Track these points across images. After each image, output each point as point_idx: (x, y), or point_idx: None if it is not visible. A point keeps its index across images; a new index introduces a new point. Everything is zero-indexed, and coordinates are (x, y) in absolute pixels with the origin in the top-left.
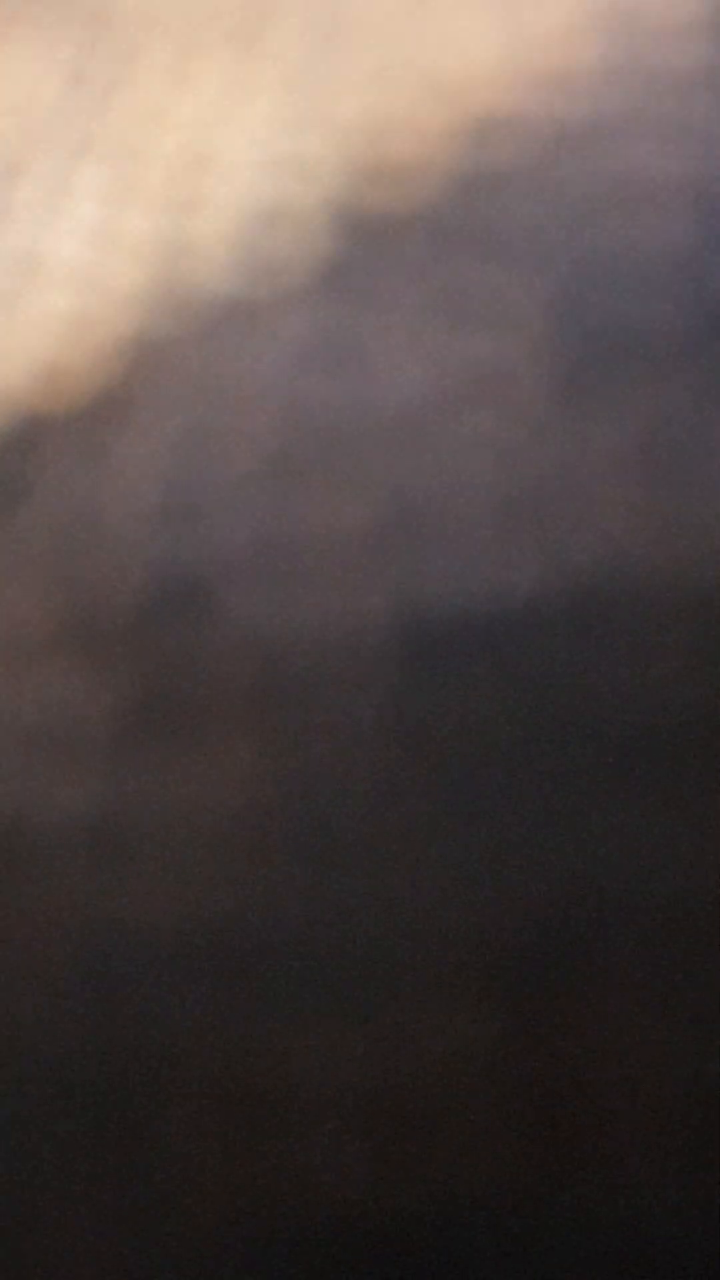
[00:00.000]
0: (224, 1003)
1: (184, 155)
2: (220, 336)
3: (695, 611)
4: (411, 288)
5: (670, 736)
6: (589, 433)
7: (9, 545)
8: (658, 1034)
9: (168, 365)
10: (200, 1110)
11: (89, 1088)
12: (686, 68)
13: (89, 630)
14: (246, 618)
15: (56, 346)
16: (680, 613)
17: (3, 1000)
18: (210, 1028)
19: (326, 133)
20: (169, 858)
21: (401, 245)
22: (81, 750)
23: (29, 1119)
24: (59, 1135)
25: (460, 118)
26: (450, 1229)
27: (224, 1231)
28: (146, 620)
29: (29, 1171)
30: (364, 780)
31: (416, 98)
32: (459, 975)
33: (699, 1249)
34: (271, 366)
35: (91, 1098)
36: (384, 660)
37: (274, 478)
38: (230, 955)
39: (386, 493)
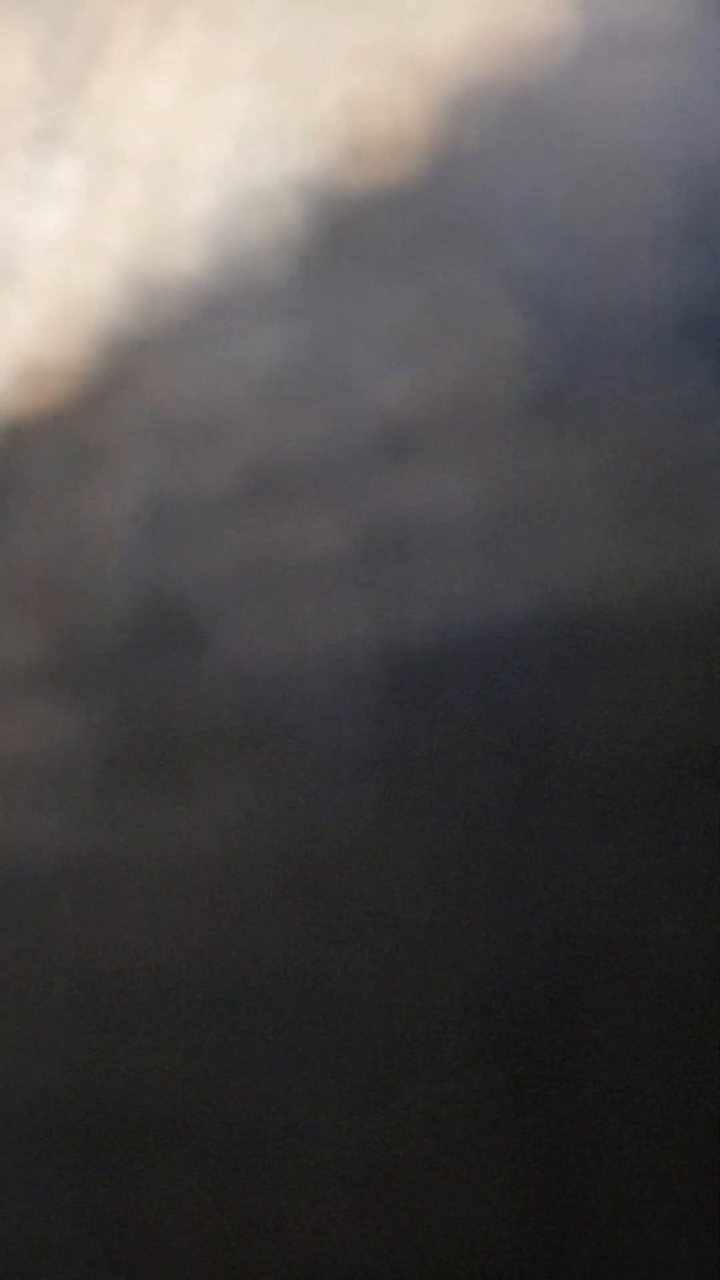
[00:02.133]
0: (211, 1052)
1: (158, 142)
2: (200, 341)
3: (680, 636)
4: (392, 291)
5: (661, 772)
6: (572, 451)
7: None
8: (656, 1087)
9: (145, 374)
10: (187, 1162)
11: (73, 1135)
12: (667, 34)
13: (72, 664)
14: (231, 649)
15: (33, 350)
16: (665, 637)
17: None
18: (197, 1077)
19: (303, 115)
20: (154, 897)
21: (380, 240)
22: (65, 789)
23: (10, 1165)
24: (41, 1184)
25: (438, 93)
26: None
27: None
28: (130, 653)
29: (10, 1222)
30: (351, 821)
31: (393, 74)
32: (454, 1026)
33: None
34: (250, 379)
35: (75, 1146)
36: (369, 691)
37: (255, 500)
38: (216, 1001)
39: (369, 515)
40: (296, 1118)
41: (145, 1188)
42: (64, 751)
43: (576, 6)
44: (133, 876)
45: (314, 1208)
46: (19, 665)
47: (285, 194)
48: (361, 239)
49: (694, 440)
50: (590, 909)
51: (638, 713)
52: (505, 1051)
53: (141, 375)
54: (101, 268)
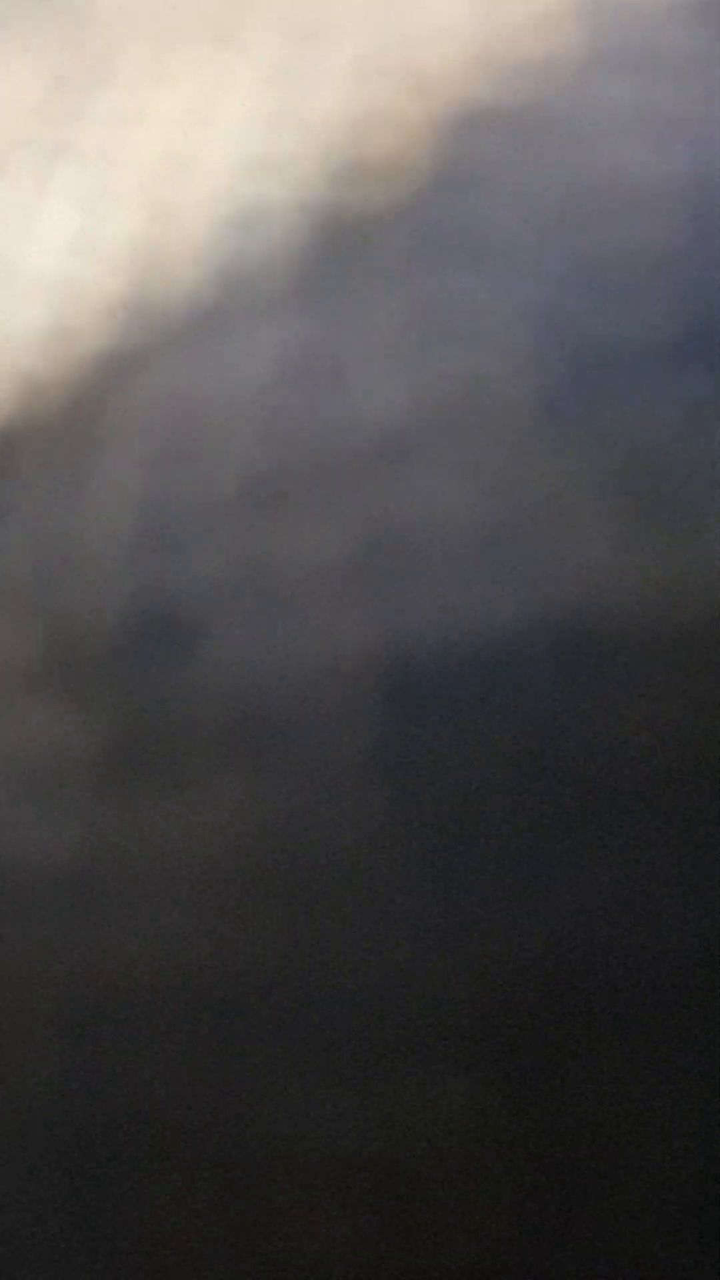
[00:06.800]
0: (205, 1057)
1: (163, 158)
2: (198, 350)
3: (681, 645)
4: (391, 299)
5: (661, 776)
6: (573, 455)
7: None
8: (655, 1092)
9: (145, 380)
10: (179, 1169)
11: (63, 1142)
12: (675, 54)
13: (67, 665)
14: (227, 651)
15: (32, 359)
16: (666, 645)
17: None
18: (191, 1083)
19: (305, 131)
20: (149, 903)
21: (381, 250)
22: (59, 790)
23: (4, 1174)
24: (31, 1190)
25: (441, 112)
26: None
27: None
28: (126, 654)
29: (5, 1231)
30: (348, 823)
31: (396, 92)
32: (450, 1031)
33: None
34: (249, 385)
35: (66, 1153)
36: (366, 696)
37: (252, 504)
38: (212, 1007)
39: (366, 520)
40: (294, 1122)
41: (142, 1195)
42: (58, 754)
43: (581, 26)
44: (127, 881)
45: (313, 1212)
46: (13, 667)
47: (288, 209)
48: (362, 250)
49: (693, 448)
50: (591, 914)
51: (639, 718)
52: (504, 1055)
53: (139, 384)
54: (102, 281)
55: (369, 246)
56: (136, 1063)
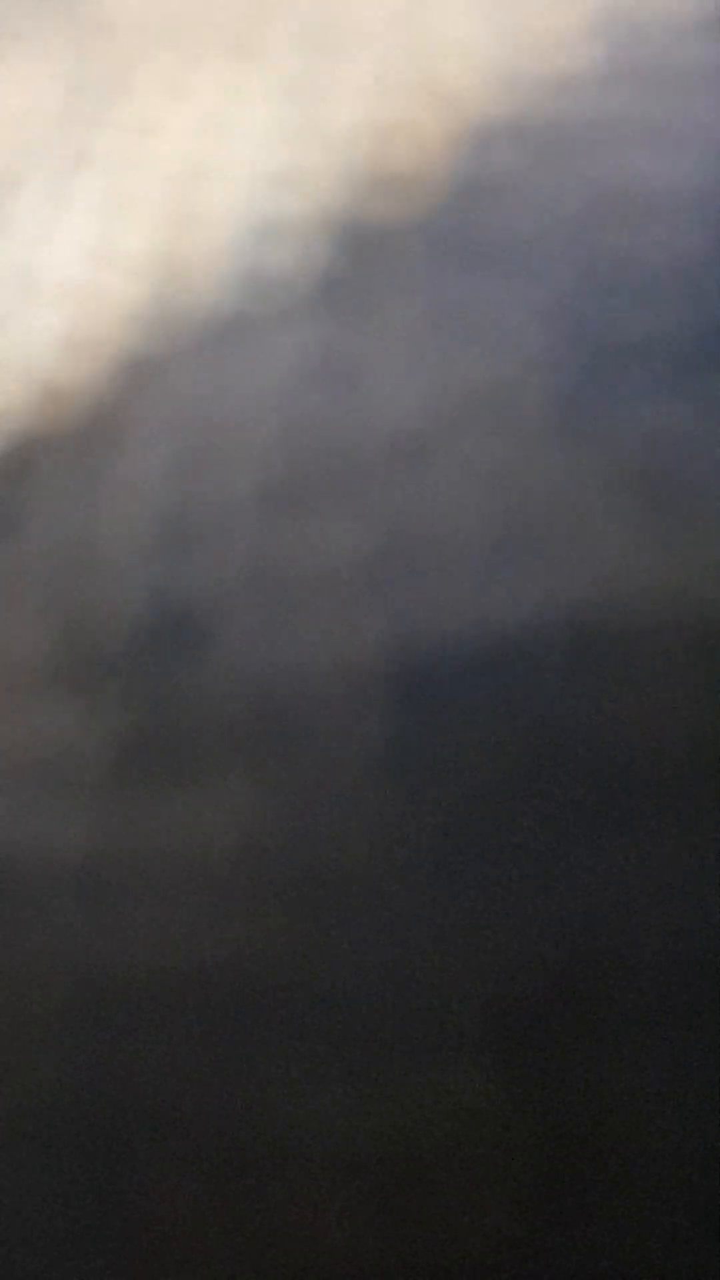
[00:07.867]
0: (217, 1053)
1: (182, 167)
2: (217, 356)
3: (696, 643)
4: (409, 305)
5: (673, 774)
6: (588, 455)
7: (2, 574)
8: (663, 1087)
9: (163, 386)
10: (187, 1164)
11: (77, 1138)
12: (690, 69)
13: (82, 663)
14: (241, 651)
15: (52, 366)
16: (680, 645)
17: None
18: (203, 1078)
19: (325, 143)
20: (159, 900)
21: (399, 259)
22: (73, 787)
23: (13, 1170)
24: (37, 1183)
25: (459, 125)
26: None
27: None
28: (141, 652)
29: (13, 1224)
30: (361, 820)
31: (415, 105)
32: (460, 1027)
33: None
34: (267, 389)
35: (80, 1148)
36: (380, 694)
37: (269, 504)
38: (221, 1002)
39: (382, 519)
40: (302, 1117)
41: (149, 1189)
42: (71, 752)
43: (596, 42)
44: (138, 877)
45: (320, 1207)
46: (28, 664)
47: (307, 218)
48: (379, 258)
49: (707, 449)
50: (600, 912)
51: (652, 718)
52: (512, 1051)
53: (158, 390)
54: (122, 289)
55: (386, 254)
56: (144, 1058)
